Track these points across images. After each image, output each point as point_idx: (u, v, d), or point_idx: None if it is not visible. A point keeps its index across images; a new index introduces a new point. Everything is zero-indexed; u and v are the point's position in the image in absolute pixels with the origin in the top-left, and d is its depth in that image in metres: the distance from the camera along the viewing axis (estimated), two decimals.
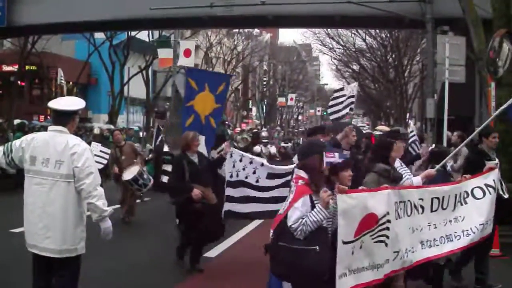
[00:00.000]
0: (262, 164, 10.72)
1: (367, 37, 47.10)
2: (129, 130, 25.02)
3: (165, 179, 19.99)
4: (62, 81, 32.26)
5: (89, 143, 14.54)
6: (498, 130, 14.30)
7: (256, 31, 74.70)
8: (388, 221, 5.92)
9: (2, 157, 6.50)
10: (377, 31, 44.49)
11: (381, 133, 21.41)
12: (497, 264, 10.54)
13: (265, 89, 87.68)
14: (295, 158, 10.87)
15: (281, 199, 10.60)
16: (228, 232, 11.66)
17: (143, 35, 44.95)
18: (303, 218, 5.65)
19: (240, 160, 10.57)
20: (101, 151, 16.20)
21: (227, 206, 10.20)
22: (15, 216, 7.72)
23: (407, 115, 50.27)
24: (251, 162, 10.60)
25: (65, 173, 6.22)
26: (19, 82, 38.50)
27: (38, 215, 6.26)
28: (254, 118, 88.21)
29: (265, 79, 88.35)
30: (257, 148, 20.31)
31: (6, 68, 42.61)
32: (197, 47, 46.06)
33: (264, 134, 26.27)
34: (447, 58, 15.57)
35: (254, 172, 10.62)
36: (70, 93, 37.60)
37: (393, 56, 46.96)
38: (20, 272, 7.73)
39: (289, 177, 10.59)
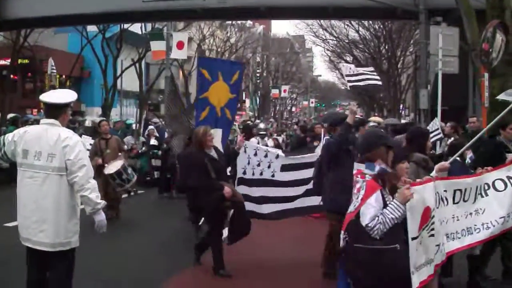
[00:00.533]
0: (277, 156, 10.51)
1: (360, 29, 47.12)
2: (117, 123, 23.87)
3: (156, 174, 19.92)
4: (54, 71, 32.04)
5: (80, 136, 14.21)
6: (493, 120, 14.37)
7: (249, 23, 74.53)
8: (434, 214, 5.87)
9: None
10: (370, 22, 44.51)
11: (374, 124, 21.44)
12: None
13: (258, 81, 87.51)
14: (318, 150, 10.77)
15: (296, 198, 10.62)
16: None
17: (136, 27, 44.81)
18: (379, 216, 5.44)
19: (255, 154, 10.36)
20: (90, 144, 15.05)
21: (248, 206, 9.92)
22: (8, 210, 7.71)
23: (401, 106, 50.34)
24: (265, 156, 10.39)
25: (57, 166, 6.21)
26: (11, 76, 38.30)
27: (31, 209, 6.25)
28: (248, 110, 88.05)
29: (258, 71, 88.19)
30: (253, 141, 17.51)
31: None
32: (190, 39, 45.99)
33: (261, 125, 24.70)
34: (440, 49, 15.61)
35: (269, 167, 10.44)
36: (63, 86, 37.44)
37: (386, 47, 46.97)
38: (15, 266, 7.70)
39: (305, 172, 10.49)
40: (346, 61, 54.36)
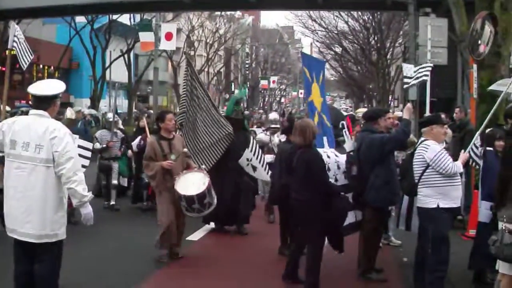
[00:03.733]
0: (339, 167, 9.26)
1: (350, 20, 47.05)
2: (78, 112, 19.95)
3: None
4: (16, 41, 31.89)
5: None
6: (481, 111, 14.41)
7: (238, 13, 74.51)
8: None
9: None
10: (360, 13, 44.47)
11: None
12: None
13: (247, 72, 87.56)
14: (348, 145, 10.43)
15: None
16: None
17: (125, 18, 44.70)
18: None
19: (329, 169, 8.94)
20: (80, 146, 9.50)
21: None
22: None
23: (390, 97, 50.40)
24: (338, 167, 9.21)
25: (44, 158, 6.18)
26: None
27: (18, 200, 6.23)
28: None
29: (247, 62, 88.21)
30: (263, 138, 14.77)
31: None
32: (179, 30, 45.90)
33: (272, 116, 17.71)
34: (429, 40, 15.61)
35: (338, 168, 9.29)
36: (51, 77, 37.33)
37: (376, 38, 46.97)
38: (2, 258, 7.65)
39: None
40: (336, 52, 54.49)
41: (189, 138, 11.45)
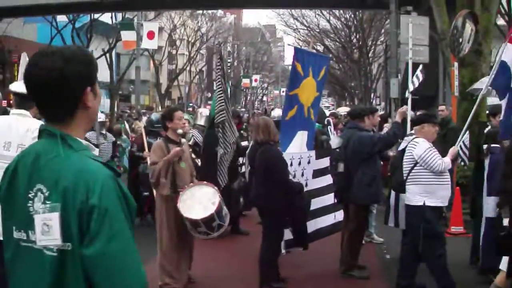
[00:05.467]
0: (309, 161, 9.35)
1: (331, 18, 47.16)
2: None
3: None
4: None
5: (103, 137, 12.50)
6: (462, 109, 14.53)
7: (220, 12, 74.39)
8: None
9: None
10: (341, 11, 44.60)
11: (345, 113, 21.57)
12: (461, 241, 10.72)
13: (229, 71, 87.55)
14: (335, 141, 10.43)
15: (326, 210, 9.66)
16: None
17: (106, 17, 44.46)
18: None
19: (291, 164, 8.94)
20: None
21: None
22: None
23: (372, 95, 50.58)
24: (299, 163, 9.16)
25: None
26: None
27: None
28: None
29: (229, 60, 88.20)
30: None
31: None
32: (160, 29, 45.82)
33: (275, 113, 17.29)
34: (410, 38, 15.67)
35: (302, 175, 9.23)
36: None
37: (357, 36, 47.09)
38: None
39: (327, 175, 9.69)
40: (317, 51, 54.61)
41: (226, 141, 10.58)
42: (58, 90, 2.66)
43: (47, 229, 2.57)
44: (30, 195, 2.66)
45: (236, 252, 10.61)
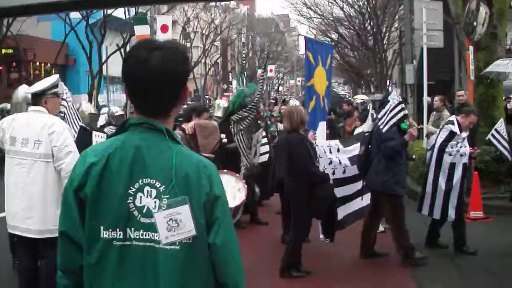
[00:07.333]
0: (338, 150, 9.42)
1: (345, 6, 47.00)
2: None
3: None
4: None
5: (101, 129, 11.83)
6: (479, 93, 14.42)
7: (233, 3, 74.32)
8: None
9: None
10: None
11: (361, 101, 21.49)
12: (481, 226, 10.67)
13: (244, 62, 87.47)
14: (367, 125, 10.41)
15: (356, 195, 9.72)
16: None
17: (120, 12, 44.55)
18: None
19: (330, 151, 9.21)
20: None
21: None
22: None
23: (388, 82, 50.36)
24: (331, 151, 9.24)
25: (43, 153, 6.23)
26: None
27: (19, 196, 6.27)
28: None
29: (244, 51, 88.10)
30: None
31: None
32: (174, 22, 45.80)
33: (293, 102, 16.58)
34: (424, 23, 15.61)
35: (340, 163, 9.33)
36: (48, 74, 37.25)
37: (371, 23, 46.84)
38: (6, 257, 7.68)
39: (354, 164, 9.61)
40: (332, 39, 54.42)
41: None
42: (175, 84, 2.69)
43: (175, 224, 2.54)
44: (130, 191, 2.62)
45: (255, 242, 10.58)
